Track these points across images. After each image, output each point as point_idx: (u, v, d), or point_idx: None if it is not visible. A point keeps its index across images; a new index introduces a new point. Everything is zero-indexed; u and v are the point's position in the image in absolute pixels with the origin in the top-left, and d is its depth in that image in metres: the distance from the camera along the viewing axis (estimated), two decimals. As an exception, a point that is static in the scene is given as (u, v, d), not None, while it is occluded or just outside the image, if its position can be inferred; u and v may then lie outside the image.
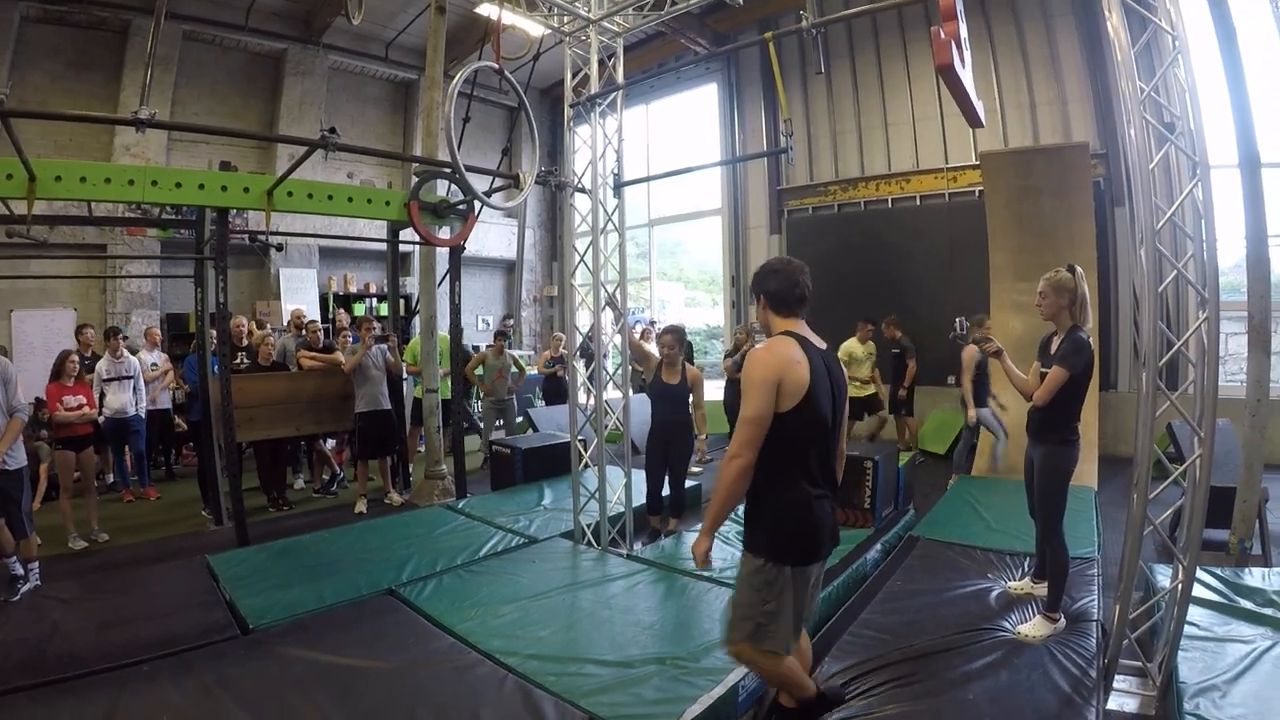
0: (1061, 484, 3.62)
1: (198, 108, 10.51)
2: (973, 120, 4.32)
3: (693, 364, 5.55)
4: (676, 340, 5.49)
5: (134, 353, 7.59)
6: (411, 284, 10.97)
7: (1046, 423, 3.62)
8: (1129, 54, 3.11)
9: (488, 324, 14.02)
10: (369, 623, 3.88)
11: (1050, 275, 3.66)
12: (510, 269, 14.75)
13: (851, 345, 8.42)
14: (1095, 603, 3.87)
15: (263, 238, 8.66)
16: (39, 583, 4.79)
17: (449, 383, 8.22)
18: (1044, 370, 3.67)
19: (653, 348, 6.16)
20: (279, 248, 8.96)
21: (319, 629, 3.80)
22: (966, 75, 3.88)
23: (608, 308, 5.29)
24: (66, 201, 6.79)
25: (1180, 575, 3.24)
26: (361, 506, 7.06)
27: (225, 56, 10.99)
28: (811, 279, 2.67)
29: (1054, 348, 3.66)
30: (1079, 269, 3.65)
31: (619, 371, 5.53)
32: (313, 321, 8.17)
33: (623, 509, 5.41)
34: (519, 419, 9.94)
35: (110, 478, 7.63)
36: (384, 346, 7.28)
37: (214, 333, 6.30)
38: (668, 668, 3.14)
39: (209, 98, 10.77)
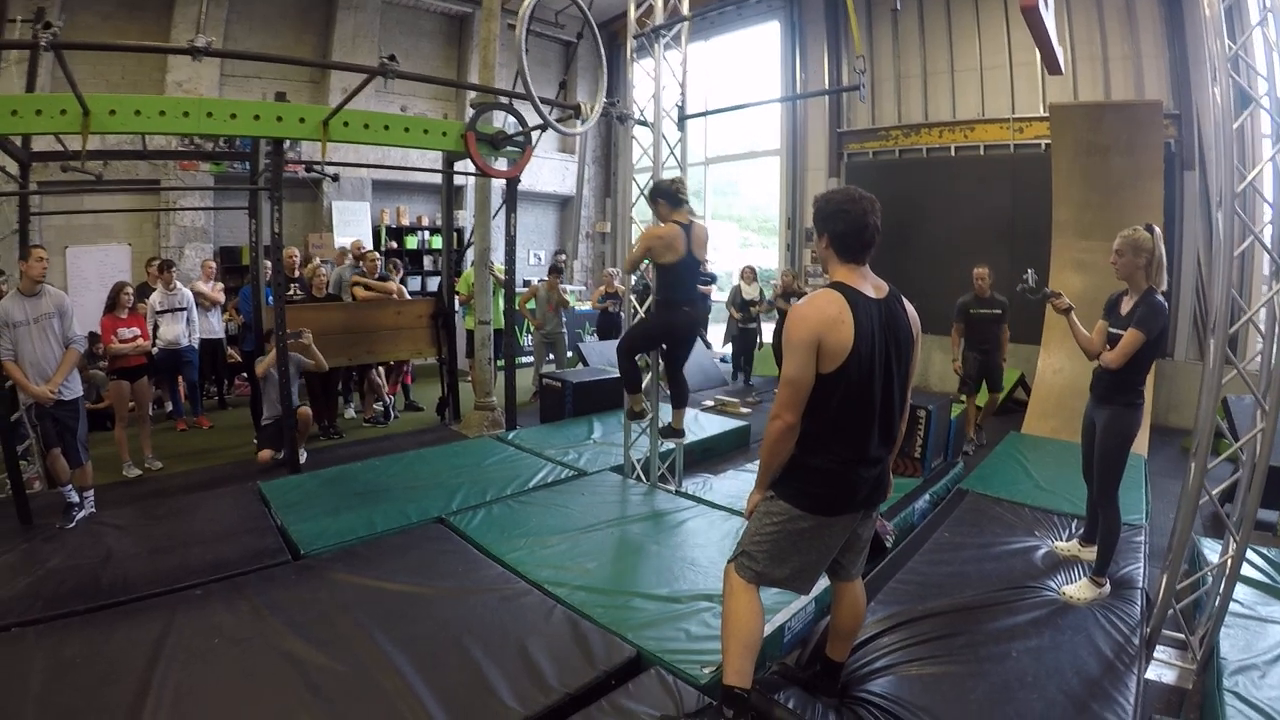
0: (1123, 447, 3.54)
1: (250, 43, 10.37)
2: (1052, 66, 4.17)
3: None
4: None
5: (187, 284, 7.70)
6: (464, 217, 10.96)
7: (1115, 385, 3.52)
8: (1218, 9, 2.95)
9: (539, 259, 13.98)
10: (418, 550, 3.95)
11: (1128, 233, 3.50)
12: (563, 204, 14.65)
13: None
14: (1141, 571, 3.82)
15: (318, 168, 8.70)
16: (94, 509, 4.85)
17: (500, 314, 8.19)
18: (1112, 330, 3.56)
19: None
20: (335, 178, 8.98)
21: (369, 555, 3.88)
22: (1049, 18, 3.73)
23: None
24: (120, 137, 6.85)
25: (1231, 550, 3.19)
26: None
27: (278, -10, 10.87)
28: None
29: (1124, 308, 3.55)
30: (1157, 229, 3.49)
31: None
32: (370, 251, 8.30)
33: (673, 445, 5.38)
34: (569, 353, 9.98)
35: (169, 406, 7.77)
36: (300, 350, 6.37)
37: (268, 264, 6.37)
38: (714, 604, 3.16)
39: (261, 32, 10.64)
